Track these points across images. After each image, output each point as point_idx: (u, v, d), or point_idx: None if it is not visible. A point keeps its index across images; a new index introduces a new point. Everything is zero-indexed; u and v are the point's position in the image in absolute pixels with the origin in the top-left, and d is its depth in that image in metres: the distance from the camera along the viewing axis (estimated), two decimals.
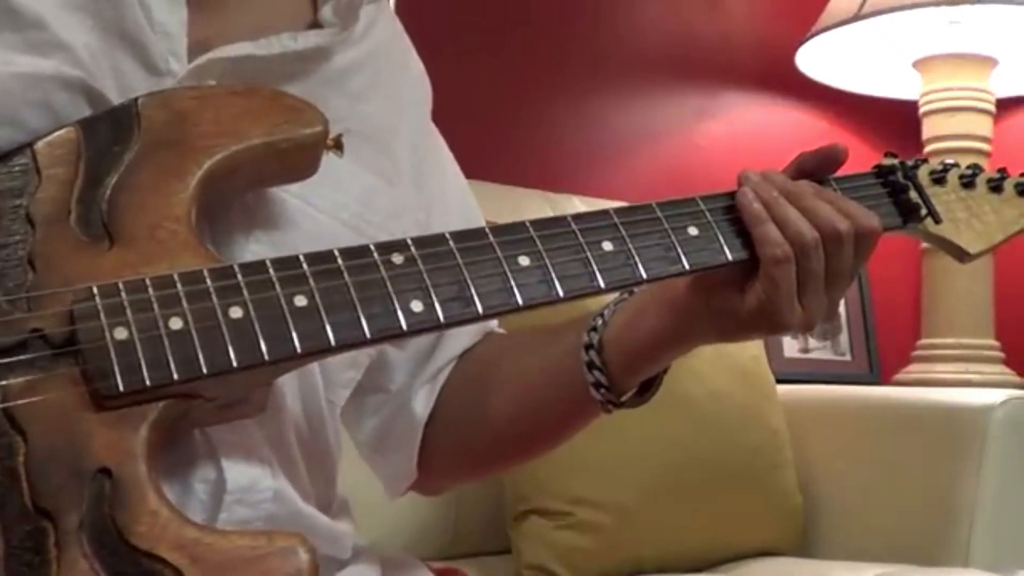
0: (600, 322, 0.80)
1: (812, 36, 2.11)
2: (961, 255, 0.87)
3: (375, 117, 0.84)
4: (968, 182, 0.88)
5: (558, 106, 2.11)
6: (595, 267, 0.72)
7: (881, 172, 0.85)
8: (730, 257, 0.76)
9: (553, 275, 0.71)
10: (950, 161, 0.89)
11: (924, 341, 2.16)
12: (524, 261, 0.71)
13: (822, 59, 2.19)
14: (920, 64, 2.16)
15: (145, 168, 0.68)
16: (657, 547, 1.57)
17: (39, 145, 0.67)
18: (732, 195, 0.78)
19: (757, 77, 2.32)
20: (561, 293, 0.71)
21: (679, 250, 0.75)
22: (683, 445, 1.58)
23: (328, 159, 0.74)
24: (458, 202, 0.91)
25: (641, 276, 0.74)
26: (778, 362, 2.07)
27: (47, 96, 0.68)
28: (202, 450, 0.68)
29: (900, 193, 0.84)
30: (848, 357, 2.25)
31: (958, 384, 1.96)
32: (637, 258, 0.74)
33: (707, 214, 0.77)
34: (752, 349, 1.73)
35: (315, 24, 0.81)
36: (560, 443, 0.88)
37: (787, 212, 0.75)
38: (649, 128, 2.21)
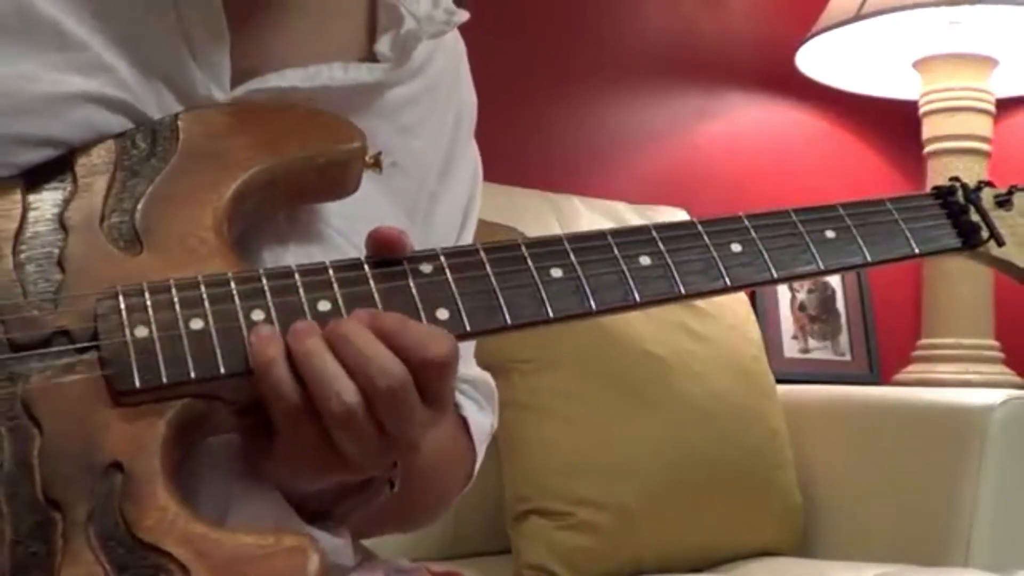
0: None
1: (812, 36, 2.11)
2: None
3: (421, 153, 0.83)
4: None
5: (558, 106, 2.11)
6: (631, 281, 0.71)
7: (940, 193, 0.83)
8: (775, 275, 0.74)
9: (587, 287, 0.70)
10: (1019, 185, 0.86)
11: (924, 341, 2.16)
12: (557, 273, 0.70)
13: (822, 59, 2.18)
14: (920, 64, 2.15)
15: (180, 180, 0.69)
16: (657, 547, 1.57)
17: (78, 155, 0.68)
18: (778, 214, 0.77)
19: (757, 77, 2.32)
20: (594, 306, 0.70)
21: (720, 266, 0.74)
22: (683, 445, 1.58)
23: (372, 197, 0.74)
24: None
25: (680, 291, 0.72)
26: (778, 362, 2.07)
27: (90, 117, 0.69)
28: (208, 473, 0.68)
29: (960, 214, 0.82)
30: (848, 357, 2.25)
31: (958, 384, 1.95)
32: (675, 272, 0.72)
33: (752, 231, 0.75)
34: (752, 349, 1.73)
35: (370, 54, 0.80)
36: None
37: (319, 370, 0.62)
38: (649, 128, 2.21)
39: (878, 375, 2.25)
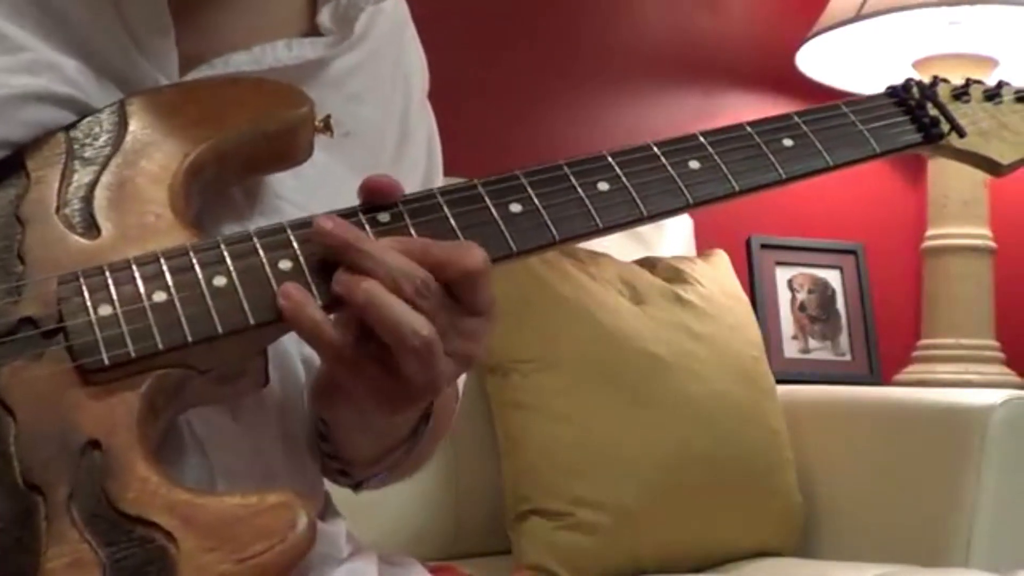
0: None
1: (812, 36, 2.11)
2: (993, 167, 0.82)
3: (371, 119, 0.83)
4: (993, 95, 0.85)
5: (558, 106, 2.11)
6: (591, 208, 0.71)
7: (895, 91, 0.83)
8: (737, 187, 0.74)
9: (547, 219, 0.70)
10: (974, 78, 0.84)
11: (924, 341, 2.16)
12: (516, 208, 0.70)
13: (822, 59, 2.18)
14: (920, 64, 2.15)
15: (132, 163, 0.69)
16: (657, 547, 1.57)
17: (28, 152, 0.69)
18: (733, 128, 0.77)
19: (757, 77, 2.32)
20: (557, 236, 0.70)
21: (680, 184, 0.74)
22: (683, 445, 1.58)
23: (329, 168, 0.74)
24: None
25: (642, 213, 0.72)
26: (778, 362, 2.07)
27: (39, 115, 0.69)
28: (192, 449, 0.69)
29: (917, 110, 0.81)
30: (848, 357, 2.24)
31: (958, 384, 1.95)
32: (635, 194, 0.72)
33: (708, 147, 0.76)
34: (752, 349, 1.73)
35: (312, 27, 0.81)
36: None
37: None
38: (649, 128, 2.21)
39: (878, 375, 2.25)
